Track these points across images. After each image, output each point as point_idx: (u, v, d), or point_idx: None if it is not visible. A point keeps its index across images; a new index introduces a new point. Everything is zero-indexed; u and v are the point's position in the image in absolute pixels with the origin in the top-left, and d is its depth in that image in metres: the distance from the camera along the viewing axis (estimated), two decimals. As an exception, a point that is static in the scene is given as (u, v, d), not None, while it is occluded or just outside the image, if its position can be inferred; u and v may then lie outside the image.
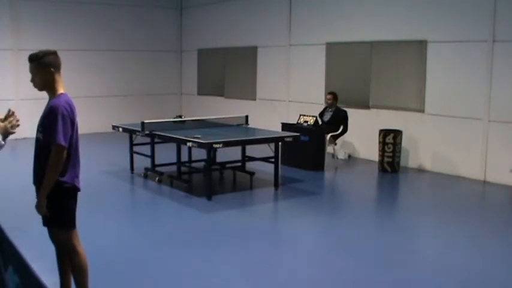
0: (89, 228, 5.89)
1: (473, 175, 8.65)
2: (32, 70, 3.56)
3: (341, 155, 10.42)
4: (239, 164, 8.59)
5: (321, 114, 10.11)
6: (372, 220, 6.73)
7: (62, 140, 3.44)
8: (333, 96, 9.96)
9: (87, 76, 13.59)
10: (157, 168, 8.49)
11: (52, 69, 3.54)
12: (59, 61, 3.60)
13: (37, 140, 3.62)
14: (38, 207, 3.52)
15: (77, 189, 3.67)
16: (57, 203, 3.55)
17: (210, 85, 14.35)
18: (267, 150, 8.07)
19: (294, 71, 11.87)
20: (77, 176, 3.65)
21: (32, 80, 3.59)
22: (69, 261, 3.74)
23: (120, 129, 8.87)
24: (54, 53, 3.60)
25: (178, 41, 15.36)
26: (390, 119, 9.74)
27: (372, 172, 9.34)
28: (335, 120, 9.90)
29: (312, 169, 9.18)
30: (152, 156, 8.44)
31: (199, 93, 14.84)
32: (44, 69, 3.52)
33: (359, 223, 6.45)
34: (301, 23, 11.57)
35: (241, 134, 8.40)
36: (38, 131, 3.61)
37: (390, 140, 9.13)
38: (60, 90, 3.59)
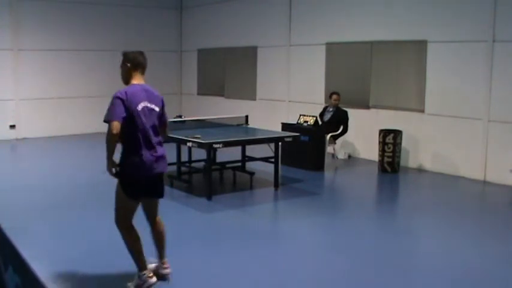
0: (89, 228, 5.90)
1: (473, 175, 8.66)
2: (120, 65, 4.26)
3: (341, 155, 10.42)
4: (239, 164, 8.59)
5: (321, 114, 10.13)
6: (372, 220, 6.73)
7: (110, 116, 4.13)
8: (339, 97, 10.00)
9: (87, 76, 13.56)
10: (157, 168, 8.47)
11: (129, 64, 4.18)
12: (138, 59, 4.19)
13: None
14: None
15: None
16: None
17: (210, 85, 14.36)
18: (267, 150, 8.07)
19: (294, 71, 11.87)
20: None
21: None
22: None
23: (121, 129, 8.85)
24: (138, 52, 4.24)
25: (178, 41, 15.36)
26: (390, 119, 9.74)
27: (372, 172, 9.35)
28: (335, 120, 9.92)
29: (312, 169, 9.19)
30: (152, 156, 8.42)
31: (199, 93, 14.84)
32: (123, 63, 4.23)
33: (359, 223, 6.46)
34: (301, 23, 11.57)
35: (241, 134, 8.40)
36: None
37: (390, 140, 9.13)
38: (133, 81, 4.24)
